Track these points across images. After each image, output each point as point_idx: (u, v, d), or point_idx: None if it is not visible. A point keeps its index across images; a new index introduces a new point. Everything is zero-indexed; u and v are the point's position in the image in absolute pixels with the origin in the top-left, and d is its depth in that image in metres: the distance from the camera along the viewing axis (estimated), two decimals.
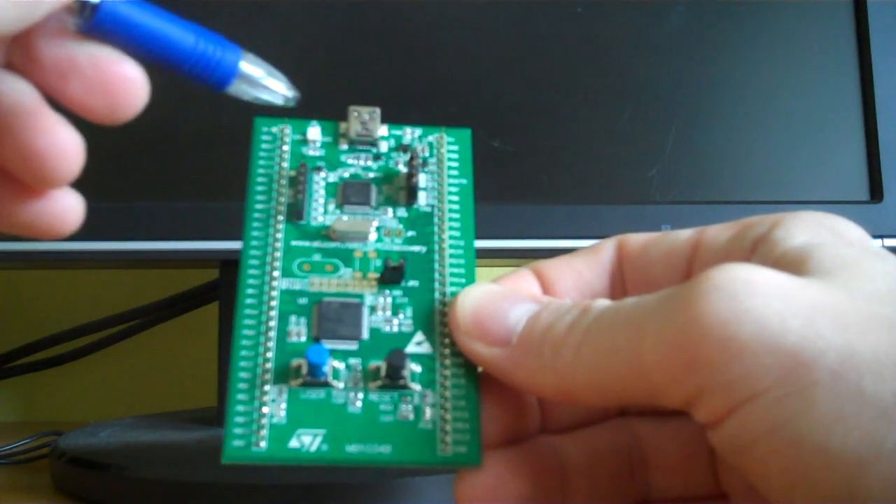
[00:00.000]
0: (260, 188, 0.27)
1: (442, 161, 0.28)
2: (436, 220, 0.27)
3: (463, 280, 0.26)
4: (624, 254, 0.27)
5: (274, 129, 0.28)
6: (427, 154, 0.28)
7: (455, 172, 0.28)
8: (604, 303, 0.22)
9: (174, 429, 0.48)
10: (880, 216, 0.44)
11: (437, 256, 0.26)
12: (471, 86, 0.45)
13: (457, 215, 0.27)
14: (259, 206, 0.26)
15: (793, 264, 0.21)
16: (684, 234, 0.26)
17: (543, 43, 0.45)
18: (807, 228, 0.22)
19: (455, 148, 0.28)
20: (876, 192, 0.44)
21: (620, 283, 0.27)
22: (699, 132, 0.45)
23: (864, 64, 0.45)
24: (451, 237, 0.27)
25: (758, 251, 0.23)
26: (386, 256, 0.26)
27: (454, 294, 0.25)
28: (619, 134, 0.45)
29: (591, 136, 0.45)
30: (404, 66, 0.45)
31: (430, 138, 0.28)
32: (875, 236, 0.43)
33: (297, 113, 0.27)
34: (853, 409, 0.18)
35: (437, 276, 0.26)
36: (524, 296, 0.24)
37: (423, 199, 0.27)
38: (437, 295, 0.26)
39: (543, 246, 0.43)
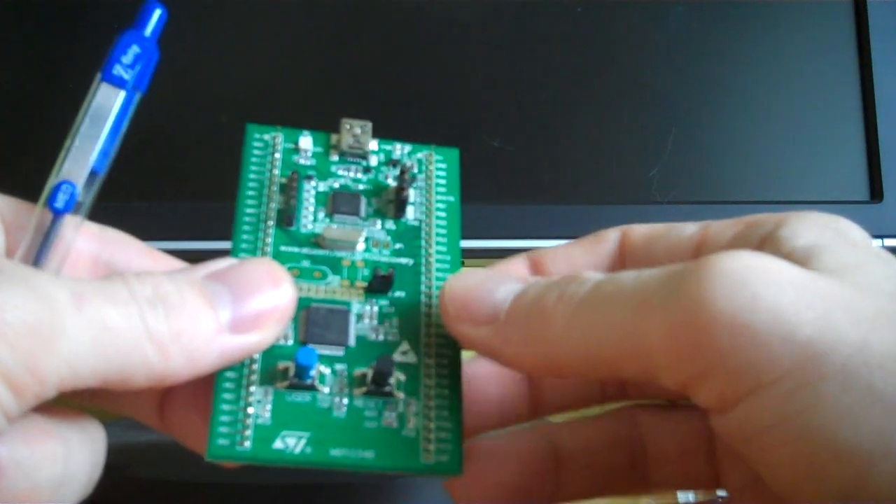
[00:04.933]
0: (250, 193, 0.27)
1: (430, 178, 0.28)
2: (423, 234, 0.27)
3: None
4: (627, 245, 0.27)
5: (266, 137, 0.28)
6: (416, 170, 0.28)
7: (443, 189, 0.28)
8: (597, 274, 0.22)
9: None
10: (880, 216, 0.44)
11: (423, 269, 0.27)
12: (471, 86, 0.45)
13: (444, 231, 0.27)
14: (249, 211, 0.26)
15: (799, 263, 0.21)
16: (689, 229, 0.26)
17: (543, 43, 0.45)
18: (812, 228, 0.22)
19: (443, 166, 0.29)
20: (876, 192, 0.44)
21: None
22: (699, 132, 0.45)
23: (864, 64, 0.45)
24: (438, 252, 0.27)
25: (764, 249, 0.23)
26: (375, 266, 0.26)
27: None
28: (619, 134, 0.45)
29: (591, 136, 0.45)
30: (404, 66, 0.45)
31: (420, 155, 0.29)
32: (875, 236, 0.43)
33: (295, 120, 0.28)
34: (863, 405, 0.18)
35: (423, 288, 0.26)
36: (511, 276, 0.24)
37: (411, 213, 0.28)
38: (423, 307, 0.26)
39: (543, 246, 0.43)
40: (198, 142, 0.43)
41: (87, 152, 0.24)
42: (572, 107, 0.45)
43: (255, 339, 0.22)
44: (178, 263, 0.27)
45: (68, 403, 0.22)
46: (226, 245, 0.42)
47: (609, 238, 0.27)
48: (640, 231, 0.27)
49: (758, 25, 0.46)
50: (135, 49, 0.24)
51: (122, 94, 0.24)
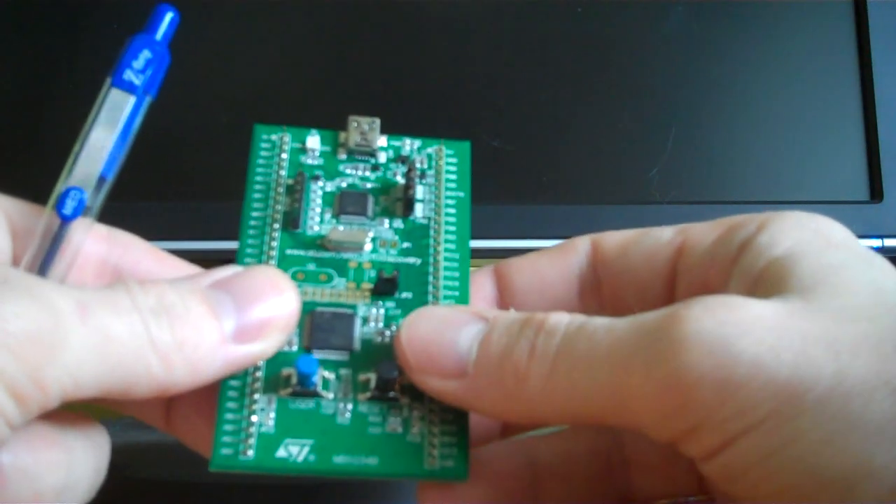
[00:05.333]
0: (257, 195, 0.26)
1: (440, 173, 0.28)
2: (432, 232, 0.27)
3: (456, 293, 0.26)
4: (599, 255, 0.26)
5: (273, 137, 0.28)
6: (425, 166, 0.28)
7: (453, 185, 0.28)
8: (563, 320, 0.22)
9: None
10: (880, 216, 0.44)
11: (431, 269, 0.26)
12: (471, 85, 0.45)
13: (453, 228, 0.27)
14: (255, 214, 0.26)
15: (775, 278, 0.21)
16: (666, 234, 0.25)
17: (543, 43, 0.45)
18: (792, 231, 0.22)
19: (454, 160, 0.28)
20: (876, 192, 0.44)
21: (593, 285, 0.26)
22: (699, 132, 0.45)
23: (864, 64, 0.45)
24: (447, 250, 0.26)
25: (742, 259, 0.23)
26: (380, 268, 0.26)
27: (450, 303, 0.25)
28: (619, 134, 0.45)
29: (591, 136, 0.45)
30: (405, 66, 0.45)
31: (430, 150, 0.28)
32: (875, 236, 0.43)
33: (296, 120, 0.28)
34: (841, 432, 0.18)
35: (430, 288, 0.26)
36: (468, 316, 0.23)
37: (419, 210, 0.27)
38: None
39: (542, 246, 0.43)
40: (200, 142, 0.43)
41: (96, 158, 0.24)
42: (572, 107, 0.45)
43: (259, 349, 0.22)
44: (184, 265, 0.27)
45: (72, 407, 0.22)
46: (228, 245, 0.42)
47: (577, 248, 0.26)
48: (613, 239, 0.26)
49: (758, 25, 0.46)
50: (146, 54, 0.24)
51: (132, 100, 0.24)
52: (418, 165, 0.28)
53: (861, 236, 0.43)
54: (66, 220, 0.24)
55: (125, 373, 0.20)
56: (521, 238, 0.43)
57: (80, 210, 0.24)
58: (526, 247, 0.44)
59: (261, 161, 0.27)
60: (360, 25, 0.45)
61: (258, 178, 0.27)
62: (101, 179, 0.24)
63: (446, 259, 0.26)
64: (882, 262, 0.22)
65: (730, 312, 0.19)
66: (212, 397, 0.23)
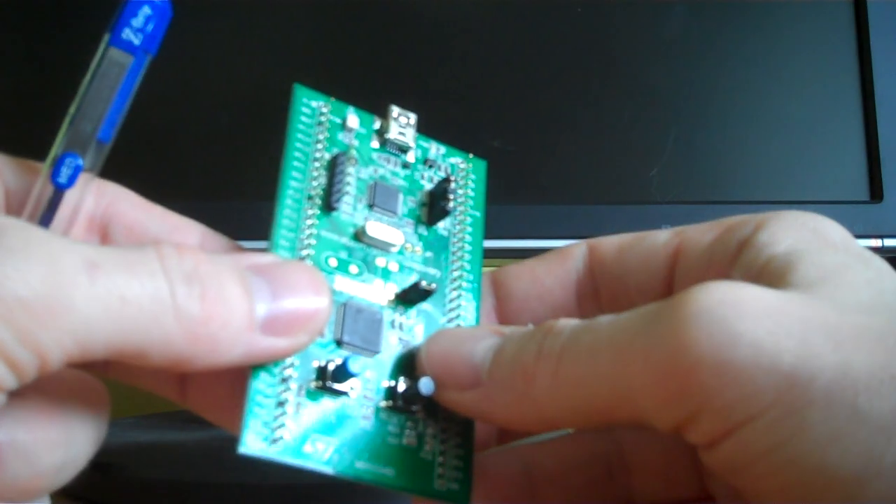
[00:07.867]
0: (296, 163, 0.25)
1: (464, 188, 0.27)
2: (451, 247, 0.26)
3: (472, 313, 0.26)
4: (596, 260, 0.26)
5: (314, 104, 0.26)
6: (460, 181, 0.28)
7: (471, 203, 0.27)
8: (570, 322, 0.21)
9: (174, 429, 0.48)
10: (880, 216, 0.44)
11: (448, 284, 0.26)
12: (470, 86, 0.45)
13: (469, 247, 0.27)
14: (294, 185, 0.25)
15: (776, 273, 0.21)
16: (662, 237, 0.25)
17: (544, 43, 0.45)
18: (790, 231, 0.22)
19: (472, 177, 0.28)
20: (876, 192, 0.44)
21: (591, 290, 0.26)
22: (699, 132, 0.45)
23: (864, 64, 0.45)
24: (463, 269, 0.26)
25: (742, 257, 0.22)
26: (422, 277, 0.25)
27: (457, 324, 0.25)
28: (619, 134, 0.45)
29: (591, 136, 0.45)
30: (404, 67, 0.45)
31: (453, 160, 0.28)
32: (875, 236, 0.43)
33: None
34: (849, 428, 0.18)
35: (447, 303, 0.26)
36: (485, 331, 0.23)
37: (445, 223, 0.27)
38: (443, 323, 0.25)
39: (543, 246, 0.43)
40: (201, 142, 0.43)
41: (93, 121, 0.23)
42: (572, 107, 0.45)
43: (284, 345, 0.21)
44: (173, 216, 0.26)
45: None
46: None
47: (574, 255, 0.26)
48: (610, 244, 0.26)
49: (758, 25, 0.46)
50: (146, 10, 0.22)
51: (131, 60, 0.22)
52: (454, 180, 0.27)
53: (861, 236, 0.43)
54: (61, 188, 0.23)
55: (141, 338, 0.19)
56: (521, 238, 0.43)
57: (76, 178, 0.23)
58: (526, 247, 0.44)
59: (301, 127, 0.25)
60: (360, 25, 0.45)
61: (297, 146, 0.25)
62: (100, 143, 0.23)
63: (462, 279, 0.26)
64: (880, 263, 0.21)
65: (729, 292, 0.19)
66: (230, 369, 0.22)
